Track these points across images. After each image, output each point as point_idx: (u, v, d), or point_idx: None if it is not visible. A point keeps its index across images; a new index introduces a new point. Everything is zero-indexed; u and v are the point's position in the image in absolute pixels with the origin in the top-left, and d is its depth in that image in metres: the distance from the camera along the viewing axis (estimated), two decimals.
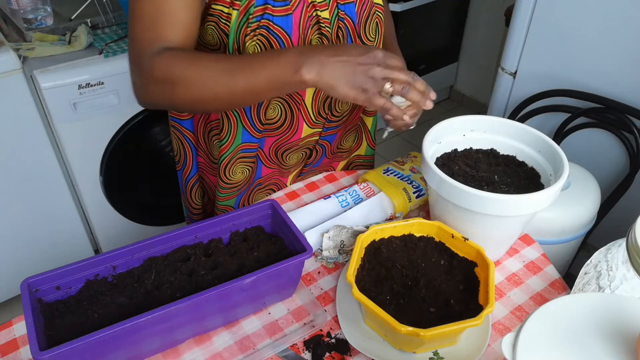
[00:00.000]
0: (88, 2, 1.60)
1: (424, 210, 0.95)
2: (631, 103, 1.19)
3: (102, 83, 1.50)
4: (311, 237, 0.84)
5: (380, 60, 0.70)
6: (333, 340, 0.71)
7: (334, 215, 0.89)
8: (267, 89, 0.72)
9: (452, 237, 0.75)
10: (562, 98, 1.31)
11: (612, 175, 1.31)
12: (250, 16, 0.75)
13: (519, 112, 1.41)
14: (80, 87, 1.47)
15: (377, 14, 0.88)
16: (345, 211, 0.90)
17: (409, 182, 0.94)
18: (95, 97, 1.51)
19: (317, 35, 0.81)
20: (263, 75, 0.70)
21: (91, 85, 1.49)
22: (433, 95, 0.73)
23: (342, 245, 0.83)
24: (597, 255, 0.67)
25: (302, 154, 1.00)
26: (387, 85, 0.70)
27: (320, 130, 0.96)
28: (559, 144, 0.84)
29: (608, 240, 0.68)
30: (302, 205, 0.93)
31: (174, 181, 1.15)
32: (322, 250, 0.83)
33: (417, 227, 0.78)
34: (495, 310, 0.75)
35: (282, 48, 0.79)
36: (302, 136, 0.94)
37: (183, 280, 0.69)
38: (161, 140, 1.81)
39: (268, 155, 0.95)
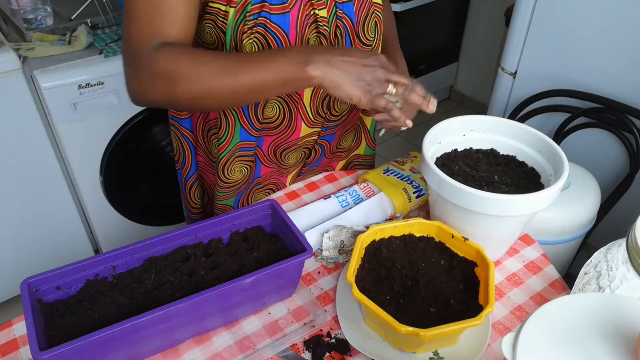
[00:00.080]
0: (88, 2, 1.60)
1: (424, 210, 0.95)
2: (631, 103, 1.20)
3: (102, 83, 1.50)
4: (311, 237, 0.84)
5: (384, 64, 0.72)
6: (333, 340, 0.71)
7: (334, 215, 0.89)
8: (272, 86, 0.72)
9: (452, 237, 0.75)
10: (562, 98, 1.31)
11: (612, 175, 1.31)
12: (248, 14, 0.75)
13: (519, 112, 1.41)
14: (80, 87, 1.47)
15: (376, 13, 0.88)
16: (345, 211, 0.90)
17: (409, 182, 0.94)
18: (95, 97, 1.51)
19: (314, 34, 0.81)
20: (269, 71, 0.70)
21: (91, 85, 1.49)
22: (434, 100, 0.74)
23: (342, 245, 0.83)
24: (597, 255, 0.67)
25: (301, 153, 1.00)
26: (391, 87, 0.71)
27: (319, 129, 0.96)
28: (559, 144, 0.84)
29: (608, 240, 0.68)
30: (302, 205, 0.93)
31: (174, 181, 1.15)
32: (322, 250, 0.83)
33: (417, 227, 0.78)
34: (495, 310, 0.75)
35: (285, 47, 0.78)
36: (301, 135, 0.94)
37: (183, 280, 0.69)
38: (161, 140, 1.81)
39: (267, 155, 0.96)
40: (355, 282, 0.67)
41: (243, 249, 0.75)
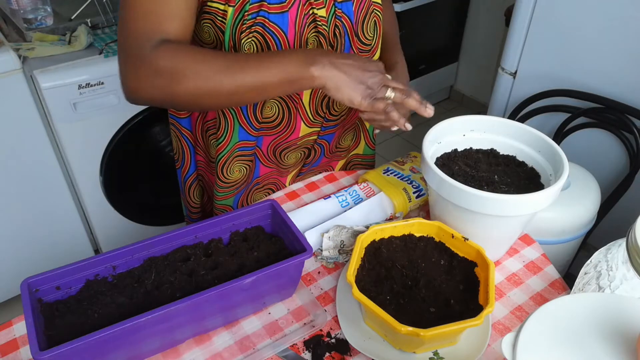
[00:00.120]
0: (88, 2, 1.60)
1: (424, 210, 0.95)
2: (631, 103, 1.20)
3: (102, 83, 1.50)
4: (311, 237, 0.84)
5: (382, 70, 0.76)
6: (333, 340, 0.71)
7: (334, 215, 0.89)
8: (274, 85, 0.72)
9: (452, 237, 0.75)
10: (562, 98, 1.31)
11: (612, 175, 1.31)
12: (246, 13, 0.75)
13: (519, 112, 1.41)
14: (80, 87, 1.47)
15: (376, 13, 0.88)
16: (345, 211, 0.90)
17: (409, 182, 0.94)
18: (95, 97, 1.51)
19: (313, 34, 0.81)
20: (271, 70, 0.71)
21: (91, 85, 1.49)
22: (430, 105, 0.77)
23: (342, 245, 0.83)
24: (597, 255, 0.67)
25: (301, 153, 1.00)
26: (389, 91, 0.74)
27: (319, 129, 0.96)
28: (559, 144, 0.84)
29: (608, 240, 0.68)
30: (302, 205, 0.93)
31: (173, 181, 1.15)
32: (322, 250, 0.83)
33: (417, 227, 0.78)
34: (495, 310, 0.75)
35: (288, 49, 0.79)
36: (300, 135, 0.94)
37: (183, 280, 0.69)
38: (161, 140, 1.81)
39: (266, 154, 0.96)
40: (355, 282, 0.67)
41: (243, 249, 0.75)
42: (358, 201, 0.92)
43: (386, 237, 0.77)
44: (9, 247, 1.66)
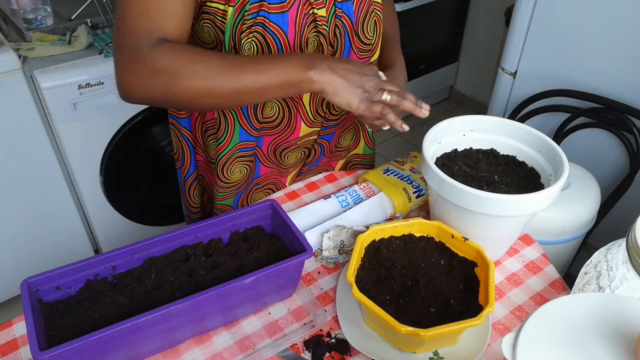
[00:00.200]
0: (88, 2, 1.60)
1: (424, 210, 0.95)
2: (631, 103, 1.20)
3: (102, 83, 1.50)
4: (311, 237, 0.84)
5: (378, 74, 0.77)
6: (333, 340, 0.71)
7: (334, 215, 0.89)
8: (273, 88, 0.72)
9: (452, 237, 0.75)
10: (562, 98, 1.31)
11: (612, 175, 1.31)
12: (246, 13, 0.75)
13: (519, 112, 1.41)
14: (80, 87, 1.47)
15: (376, 12, 0.88)
16: (345, 211, 0.90)
17: (409, 182, 0.94)
18: (95, 97, 1.51)
19: (314, 33, 0.81)
20: (271, 72, 0.71)
21: (91, 85, 1.49)
22: (426, 105, 0.77)
23: (342, 245, 0.83)
24: (597, 255, 0.67)
25: (301, 153, 1.00)
26: (386, 94, 0.75)
27: (319, 129, 0.96)
28: (559, 144, 0.84)
29: (608, 240, 0.68)
30: (302, 205, 0.93)
31: (174, 181, 1.15)
32: (322, 250, 0.83)
33: (417, 227, 0.78)
34: (495, 310, 0.75)
35: (288, 52, 0.79)
36: (301, 135, 0.94)
37: (183, 280, 0.69)
38: (161, 140, 1.81)
39: (266, 155, 0.96)
40: (355, 282, 0.67)
41: (243, 249, 0.75)
42: (358, 201, 0.92)
43: (386, 237, 0.77)
44: (9, 247, 1.66)
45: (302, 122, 0.92)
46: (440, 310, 0.67)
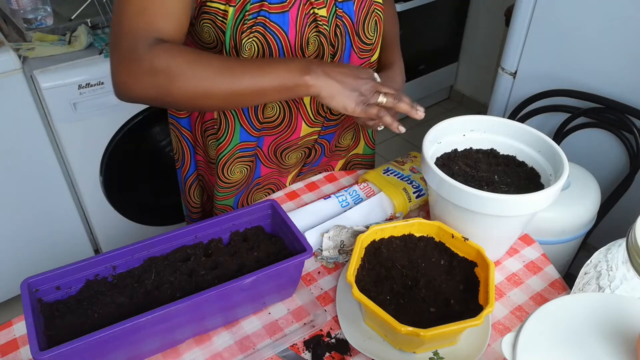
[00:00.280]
0: (88, 2, 1.60)
1: (424, 210, 0.95)
2: (631, 103, 1.20)
3: (102, 83, 1.50)
4: (311, 237, 0.84)
5: (374, 77, 0.78)
6: (333, 340, 0.71)
7: (334, 215, 0.89)
8: (270, 91, 0.73)
9: (452, 237, 0.75)
10: (562, 98, 1.31)
11: (612, 175, 1.31)
12: (247, 13, 0.75)
13: (519, 112, 1.41)
14: (80, 87, 1.47)
15: (377, 12, 0.88)
16: (345, 211, 0.90)
17: (409, 182, 0.94)
18: (95, 97, 1.51)
19: (314, 33, 0.81)
20: (269, 76, 0.72)
21: (91, 85, 1.49)
22: (421, 107, 0.79)
23: (342, 245, 0.83)
24: (597, 255, 0.67)
25: (301, 153, 1.00)
26: (382, 97, 0.76)
27: (319, 129, 0.96)
28: (559, 144, 0.84)
29: (608, 240, 0.68)
30: (302, 205, 0.93)
31: (174, 181, 1.15)
32: (322, 250, 0.83)
33: (417, 227, 0.78)
34: (495, 310, 0.75)
35: (285, 57, 0.80)
36: (301, 135, 0.94)
37: (183, 280, 0.69)
38: (161, 140, 1.81)
39: (267, 155, 0.96)
40: (355, 282, 0.67)
41: (243, 249, 0.75)
42: (358, 201, 0.92)
43: (386, 237, 0.77)
44: (9, 247, 1.66)
45: (303, 122, 0.92)
46: (440, 310, 0.67)
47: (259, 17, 0.76)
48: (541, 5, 1.28)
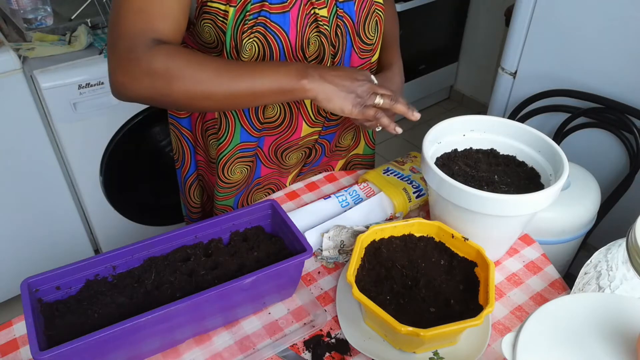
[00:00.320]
0: (88, 2, 1.60)
1: (424, 210, 0.95)
2: (631, 103, 1.19)
3: (102, 83, 1.50)
4: (311, 237, 0.84)
5: (370, 79, 0.79)
6: (333, 340, 0.71)
7: (334, 215, 0.89)
8: (268, 94, 0.74)
9: (452, 237, 0.75)
10: (562, 98, 1.31)
11: (612, 175, 1.31)
12: (247, 13, 0.75)
13: (519, 112, 1.41)
14: (80, 87, 1.47)
15: (377, 12, 0.88)
16: (345, 211, 0.90)
17: (409, 182, 0.94)
18: (95, 97, 1.51)
19: (315, 34, 0.81)
20: (266, 79, 0.73)
21: (91, 85, 1.49)
22: (417, 112, 0.81)
23: (342, 245, 0.83)
24: (597, 255, 0.67)
25: (302, 153, 1.00)
26: (378, 98, 0.77)
27: (320, 129, 0.96)
28: (559, 144, 0.84)
29: (608, 240, 0.68)
30: (302, 205, 0.93)
31: (173, 181, 1.15)
32: (322, 250, 0.83)
33: (417, 227, 0.78)
34: (495, 310, 0.75)
35: (284, 61, 0.80)
36: (302, 135, 0.94)
37: (183, 280, 0.69)
38: (161, 140, 1.81)
39: (267, 155, 0.95)
40: (355, 282, 0.67)
41: (243, 249, 0.75)
42: (358, 201, 0.92)
43: (386, 237, 0.77)
44: (9, 247, 1.66)
45: (304, 122, 0.92)
46: (440, 310, 0.67)
47: (259, 18, 0.76)
48: (541, 5, 1.28)
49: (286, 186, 1.03)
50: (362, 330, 0.71)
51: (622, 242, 0.64)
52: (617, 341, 0.50)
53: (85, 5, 1.60)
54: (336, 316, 0.74)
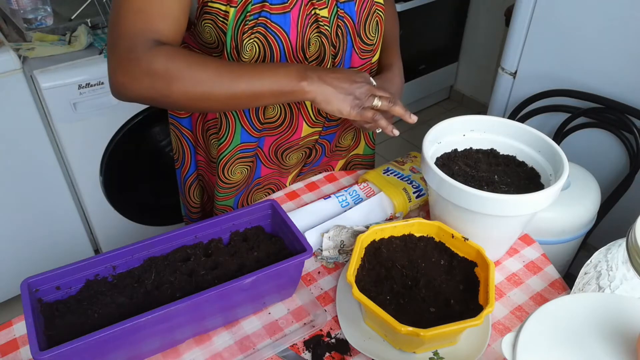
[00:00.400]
0: (88, 2, 1.60)
1: (424, 210, 0.95)
2: (631, 103, 1.19)
3: (102, 83, 1.50)
4: (311, 237, 0.84)
5: (369, 81, 0.80)
6: (333, 340, 0.71)
7: (334, 215, 0.89)
8: (267, 95, 0.74)
9: (452, 237, 0.75)
10: (562, 98, 1.31)
11: (612, 175, 1.31)
12: (248, 14, 0.75)
13: (519, 112, 1.41)
14: (80, 87, 1.47)
15: (378, 13, 0.88)
16: (345, 211, 0.90)
17: (409, 182, 0.94)
18: (95, 97, 1.51)
19: (315, 34, 0.81)
20: (265, 81, 0.73)
21: (91, 85, 1.49)
22: (414, 115, 0.82)
23: (342, 245, 0.83)
24: (597, 255, 0.67)
25: (302, 153, 1.00)
26: (376, 100, 0.78)
27: (320, 129, 0.96)
28: (559, 144, 0.84)
29: (608, 240, 0.68)
30: (302, 205, 0.93)
31: (173, 181, 1.15)
32: (322, 250, 0.83)
33: (417, 227, 0.78)
34: (495, 310, 0.75)
35: (284, 62, 0.80)
36: (302, 135, 0.94)
37: (183, 280, 0.69)
38: (161, 140, 1.81)
39: (268, 155, 0.95)
40: (355, 282, 0.67)
41: (243, 249, 0.75)
42: (358, 201, 0.92)
43: (386, 237, 0.77)
44: (9, 247, 1.66)
45: (304, 122, 0.92)
46: (440, 310, 0.67)
47: (260, 18, 0.76)
48: (541, 5, 1.28)
49: (286, 186, 1.03)
50: (362, 330, 0.71)
51: (622, 242, 0.64)
52: (617, 341, 0.50)
53: (85, 5, 1.60)
54: (336, 316, 0.74)
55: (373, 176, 0.96)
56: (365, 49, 0.89)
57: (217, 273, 0.70)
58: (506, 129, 0.84)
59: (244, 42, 0.77)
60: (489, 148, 0.85)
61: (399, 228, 0.77)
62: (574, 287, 0.70)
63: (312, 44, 0.82)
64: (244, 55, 0.78)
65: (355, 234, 0.84)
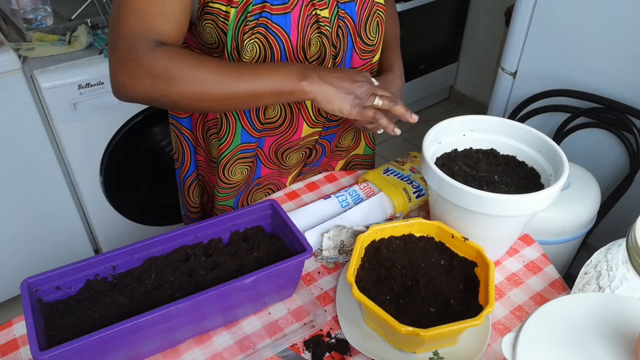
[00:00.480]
0: (88, 2, 1.60)
1: (424, 210, 0.95)
2: (631, 103, 1.19)
3: (102, 83, 1.50)
4: (311, 237, 0.84)
5: (370, 80, 0.79)
6: (333, 340, 0.71)
7: (334, 215, 0.89)
8: (268, 95, 0.74)
9: (452, 237, 0.75)
10: (562, 98, 1.31)
11: (612, 175, 1.31)
12: (249, 14, 0.75)
13: (519, 112, 1.41)
14: (80, 87, 1.47)
15: (378, 13, 0.88)
16: (345, 211, 0.90)
17: (409, 182, 0.94)
18: (95, 97, 1.51)
19: (316, 35, 0.81)
20: (266, 81, 0.73)
21: (91, 85, 1.49)
22: (415, 115, 0.82)
23: (342, 245, 0.83)
24: (597, 255, 0.67)
25: (302, 153, 1.00)
26: (377, 99, 0.78)
27: (321, 129, 0.96)
28: (559, 144, 0.84)
29: (608, 240, 0.68)
30: (302, 205, 0.93)
31: (173, 181, 1.15)
32: (322, 250, 0.83)
33: (417, 227, 0.78)
34: (495, 310, 0.75)
35: (284, 62, 0.80)
36: (302, 135, 0.94)
37: (183, 280, 0.69)
38: (161, 140, 1.81)
39: (268, 155, 0.95)
40: (355, 282, 0.67)
41: (243, 249, 0.75)
42: (358, 201, 0.92)
43: (386, 237, 0.77)
44: (9, 247, 1.66)
45: (304, 122, 0.92)
46: (440, 310, 0.67)
47: (260, 19, 0.76)
48: (541, 5, 1.28)
49: (286, 186, 1.03)
50: (362, 330, 0.71)
51: (622, 242, 0.64)
52: (617, 341, 0.50)
53: (85, 5, 1.60)
54: (336, 316, 0.74)
55: (373, 176, 0.96)
56: (366, 50, 0.89)
57: (217, 273, 0.70)
58: (506, 129, 0.84)
59: (245, 42, 0.77)
60: (489, 148, 0.85)
61: (399, 228, 0.77)
62: (574, 287, 0.70)
63: (313, 44, 0.82)
64: (244, 56, 0.78)
65: (355, 234, 0.84)
